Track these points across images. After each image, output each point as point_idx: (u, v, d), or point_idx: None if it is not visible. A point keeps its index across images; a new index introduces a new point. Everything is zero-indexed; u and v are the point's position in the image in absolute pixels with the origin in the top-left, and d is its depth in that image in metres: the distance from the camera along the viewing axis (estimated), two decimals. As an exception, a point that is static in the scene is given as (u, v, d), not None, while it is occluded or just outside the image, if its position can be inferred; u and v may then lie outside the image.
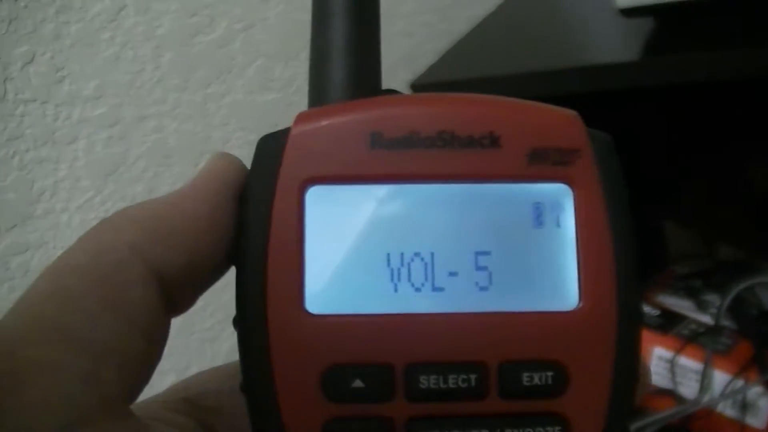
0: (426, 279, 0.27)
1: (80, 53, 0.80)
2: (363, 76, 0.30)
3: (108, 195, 0.84)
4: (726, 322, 0.77)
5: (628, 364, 0.27)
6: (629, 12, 0.62)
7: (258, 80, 0.92)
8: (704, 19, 0.61)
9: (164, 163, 0.88)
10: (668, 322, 0.78)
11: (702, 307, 0.80)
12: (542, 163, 0.27)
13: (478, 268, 0.27)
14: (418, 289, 0.27)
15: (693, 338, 0.75)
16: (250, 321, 0.27)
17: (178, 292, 0.27)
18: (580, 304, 0.27)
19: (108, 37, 0.82)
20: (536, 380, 0.26)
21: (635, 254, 0.27)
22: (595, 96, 0.63)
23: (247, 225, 0.27)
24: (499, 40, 0.88)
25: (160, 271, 0.26)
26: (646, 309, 0.80)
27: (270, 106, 0.93)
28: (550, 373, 0.26)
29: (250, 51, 0.90)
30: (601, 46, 0.73)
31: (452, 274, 0.27)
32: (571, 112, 0.28)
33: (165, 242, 0.26)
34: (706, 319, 0.78)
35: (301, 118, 0.28)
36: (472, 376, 0.26)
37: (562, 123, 0.28)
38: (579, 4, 0.86)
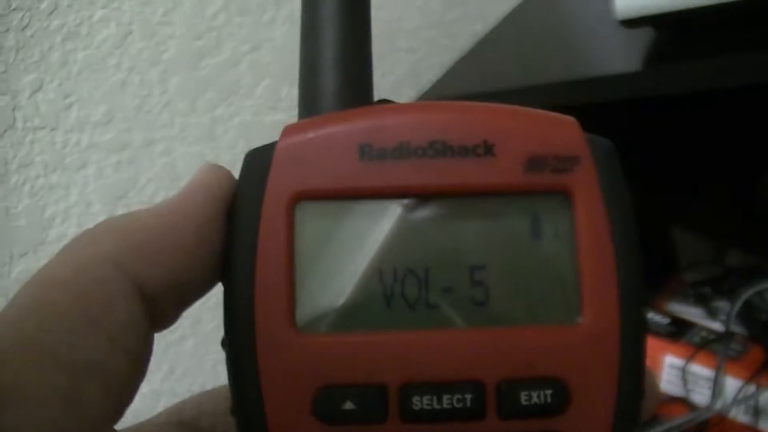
0: (420, 295, 0.26)
1: (88, 80, 0.81)
2: (354, 86, 0.29)
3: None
4: (737, 328, 0.77)
5: (633, 380, 0.26)
6: (629, 23, 0.62)
7: (265, 101, 0.92)
8: (705, 28, 0.62)
9: (174, 186, 0.88)
10: (679, 330, 0.78)
11: (712, 313, 0.80)
12: (539, 172, 0.26)
13: (474, 283, 0.26)
14: (411, 306, 0.26)
15: (704, 345, 0.75)
16: (238, 342, 0.26)
17: (163, 308, 0.26)
18: (581, 319, 0.26)
19: (115, 63, 0.82)
20: (536, 399, 0.25)
21: (639, 265, 0.26)
22: (601, 107, 0.63)
23: (233, 243, 0.26)
24: (502, 54, 0.88)
25: (143, 287, 0.25)
26: (657, 317, 0.80)
27: (278, 126, 0.92)
28: (550, 391, 0.25)
29: (256, 72, 0.91)
30: (604, 57, 0.73)
31: (447, 289, 0.26)
32: (569, 118, 0.27)
33: (150, 258, 0.25)
34: (717, 325, 0.78)
35: (287, 131, 0.27)
36: (468, 396, 0.25)
37: (560, 129, 0.27)
38: (581, 17, 0.86)
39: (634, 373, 0.26)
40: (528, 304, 0.26)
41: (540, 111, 0.27)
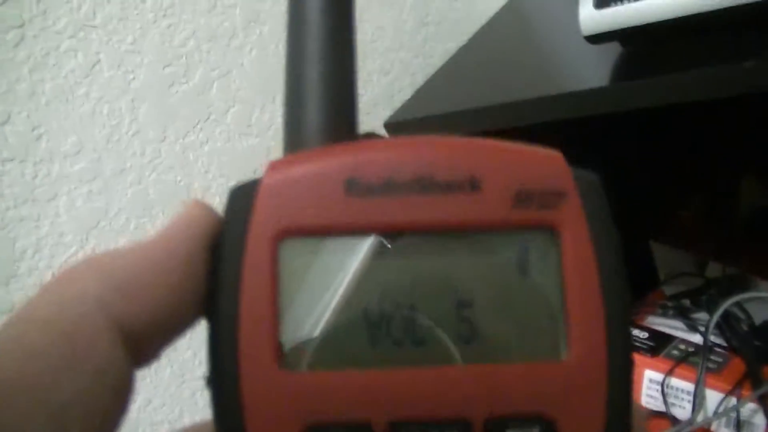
0: (406, 333, 0.26)
1: (56, 110, 0.81)
2: (339, 120, 0.29)
3: (91, 249, 0.84)
4: (717, 340, 0.77)
5: (620, 416, 0.26)
6: (594, 39, 0.63)
7: (236, 126, 0.92)
8: (669, 41, 0.62)
9: (145, 214, 0.88)
10: (658, 344, 0.78)
11: (692, 326, 0.80)
12: (526, 208, 0.26)
13: (461, 319, 0.26)
14: (397, 343, 0.26)
15: (684, 358, 0.75)
16: (223, 380, 0.26)
17: (146, 346, 0.25)
18: (569, 355, 0.26)
19: (83, 93, 0.82)
20: None
21: (626, 300, 0.26)
22: (574, 122, 0.64)
23: (218, 281, 0.26)
24: (472, 73, 0.89)
25: (126, 325, 0.24)
26: (636, 332, 0.80)
27: (249, 151, 0.93)
28: (537, 429, 0.25)
29: (226, 98, 0.91)
30: (574, 73, 0.74)
31: (433, 326, 0.26)
32: (555, 153, 0.27)
33: (133, 297, 0.25)
34: (697, 338, 0.78)
35: (273, 167, 0.27)
36: None
37: (546, 164, 0.27)
38: (551, 35, 0.86)
39: (621, 408, 0.26)
40: (515, 340, 0.26)
41: (526, 146, 0.27)
